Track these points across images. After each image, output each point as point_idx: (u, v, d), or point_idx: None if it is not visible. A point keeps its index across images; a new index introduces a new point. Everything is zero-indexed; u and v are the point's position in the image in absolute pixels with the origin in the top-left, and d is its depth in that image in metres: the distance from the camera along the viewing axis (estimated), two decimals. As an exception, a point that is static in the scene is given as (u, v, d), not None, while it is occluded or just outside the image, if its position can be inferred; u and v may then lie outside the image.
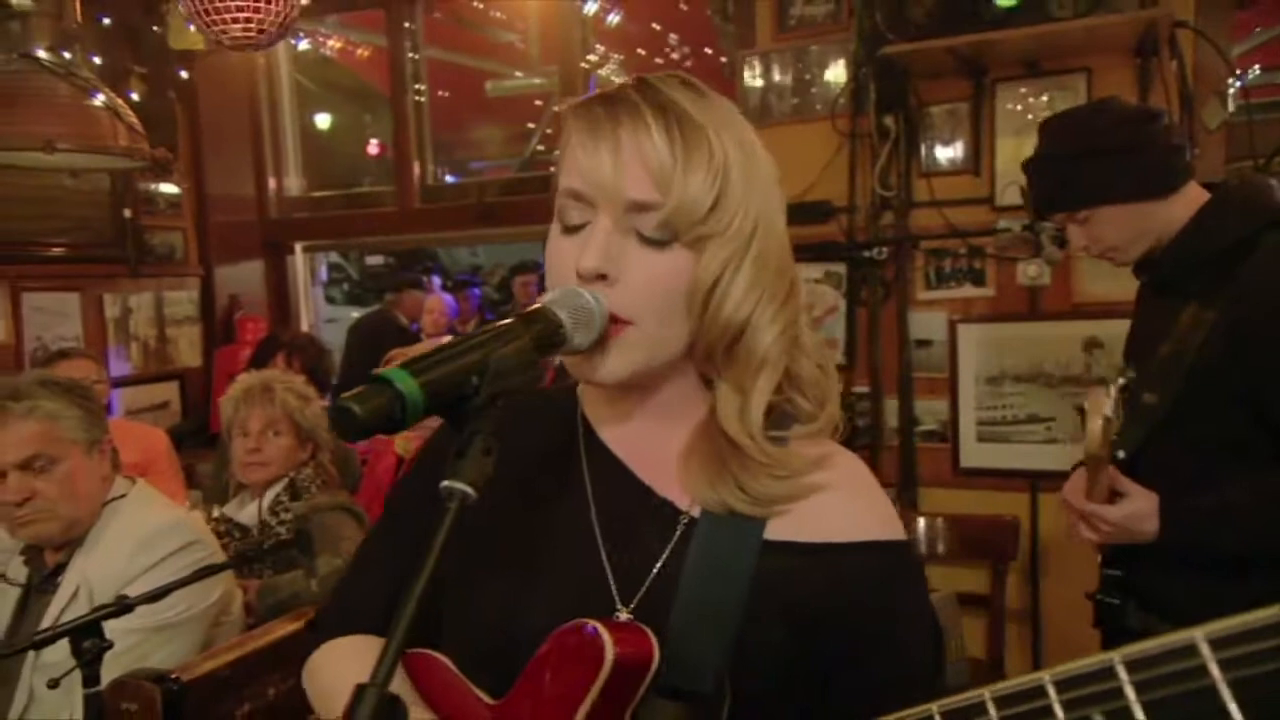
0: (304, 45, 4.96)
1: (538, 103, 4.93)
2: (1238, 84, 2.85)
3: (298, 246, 5.03)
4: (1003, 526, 2.94)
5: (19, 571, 1.99)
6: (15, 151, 2.54)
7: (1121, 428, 1.73)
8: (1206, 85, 2.77)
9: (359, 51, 5.05)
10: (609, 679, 0.79)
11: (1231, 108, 2.83)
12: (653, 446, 0.91)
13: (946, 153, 3.10)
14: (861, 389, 3.23)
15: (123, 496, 2.01)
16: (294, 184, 5.02)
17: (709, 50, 4.14)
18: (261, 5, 2.32)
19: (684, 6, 4.40)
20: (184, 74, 4.14)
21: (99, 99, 2.68)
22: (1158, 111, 1.86)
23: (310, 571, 2.08)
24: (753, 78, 3.32)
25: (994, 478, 3.05)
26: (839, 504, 0.86)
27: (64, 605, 1.87)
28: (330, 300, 7.80)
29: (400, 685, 0.94)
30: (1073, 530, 1.72)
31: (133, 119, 2.77)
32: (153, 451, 3.41)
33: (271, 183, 4.93)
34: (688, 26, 4.36)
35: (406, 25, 4.56)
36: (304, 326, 4.98)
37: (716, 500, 0.84)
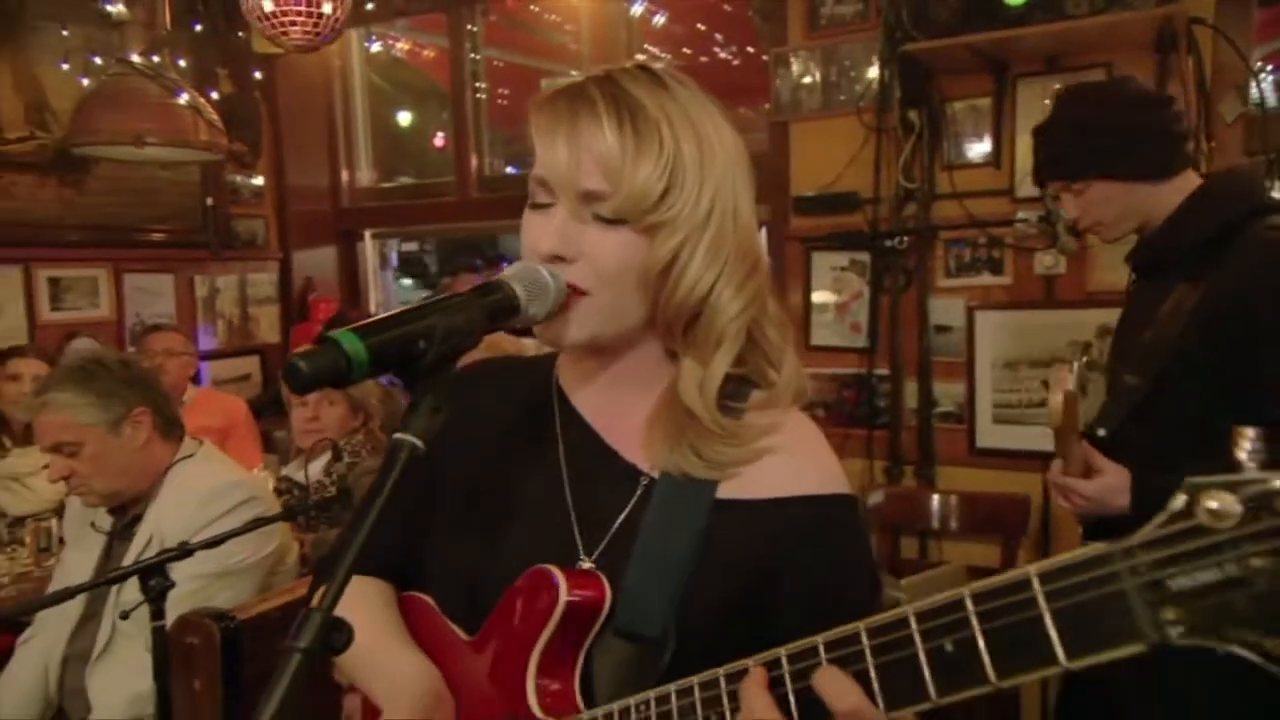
0: (376, 47, 5.06)
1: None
2: (1268, 79, 2.76)
3: (367, 234, 5.14)
4: (1014, 504, 2.91)
5: (104, 521, 2.10)
6: (112, 146, 2.67)
7: (1103, 407, 1.72)
8: (1225, 80, 2.68)
9: (425, 52, 5.13)
10: (563, 618, 0.83)
11: (1259, 100, 2.74)
12: (620, 413, 0.94)
13: (968, 146, 3.06)
14: (882, 372, 3.21)
15: (190, 456, 2.10)
16: (365, 176, 5.12)
17: (751, 49, 4.12)
18: (313, 10, 2.40)
19: (727, 7, 4.38)
20: (258, 75, 4.26)
21: (183, 98, 2.82)
22: (1169, 98, 1.83)
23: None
24: (784, 74, 3.31)
25: (1008, 458, 3.01)
26: (785, 464, 0.87)
27: (140, 550, 1.96)
28: (402, 283, 7.92)
29: (397, 624, 0.99)
30: (1056, 500, 1.72)
31: (213, 116, 2.90)
32: (234, 418, 3.56)
33: (344, 175, 5.04)
34: (730, 25, 4.34)
35: (467, 28, 4.62)
36: (372, 307, 5.09)
37: (674, 464, 0.87)
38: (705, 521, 0.86)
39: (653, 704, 0.74)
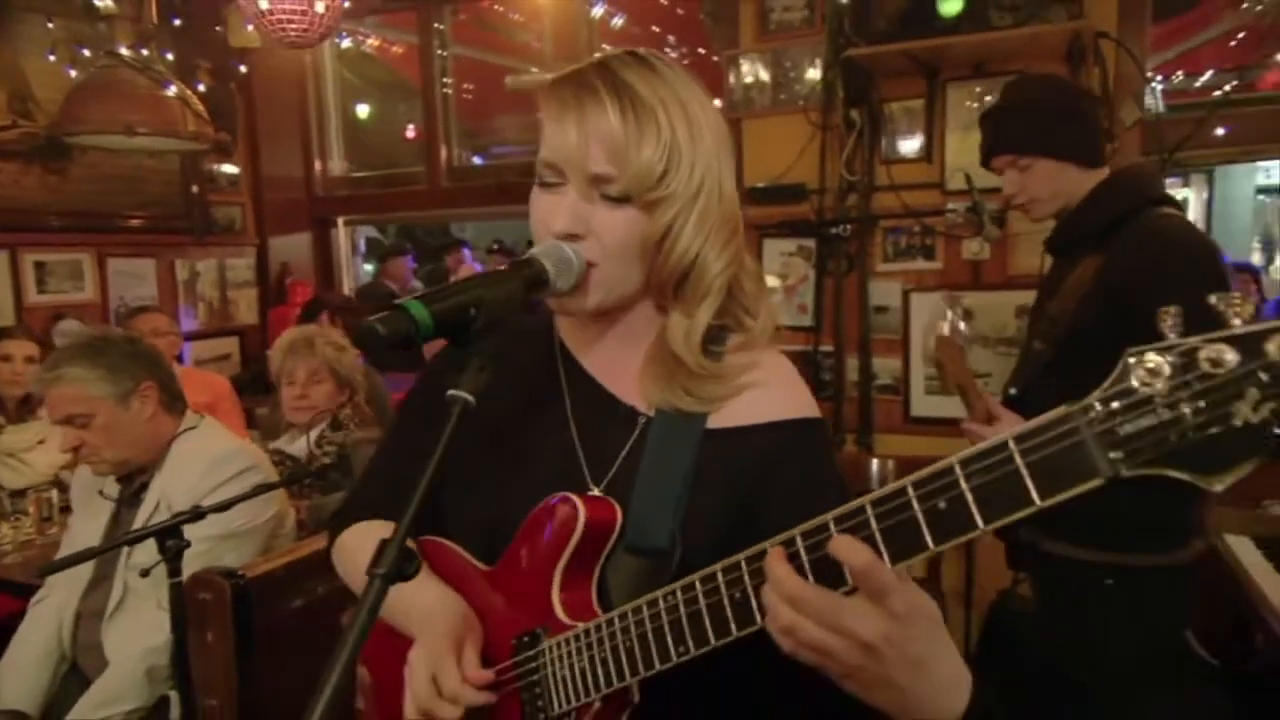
0: (346, 43, 5.01)
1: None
2: (1156, 87, 2.92)
3: (340, 221, 5.11)
4: (944, 467, 3.06)
5: (112, 489, 2.12)
6: (103, 135, 2.65)
7: (1014, 369, 1.85)
8: (1124, 88, 2.83)
9: (394, 48, 5.09)
10: (582, 537, 0.88)
11: (1154, 106, 2.90)
12: (617, 365, 0.99)
13: (904, 143, 3.17)
14: (827, 348, 3.31)
15: (194, 428, 2.13)
16: (337, 166, 5.09)
17: (702, 50, 4.19)
18: (309, 9, 2.41)
19: (680, 11, 4.44)
20: (243, 69, 4.20)
21: (171, 90, 2.80)
22: (1099, 98, 1.94)
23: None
24: (736, 74, 3.39)
25: (939, 425, 3.12)
26: (764, 395, 0.94)
27: (148, 516, 1.99)
28: (365, 268, 7.88)
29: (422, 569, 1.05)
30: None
31: (199, 107, 2.89)
32: (218, 394, 3.55)
33: (317, 164, 5.00)
34: (683, 28, 4.40)
35: (436, 26, 4.61)
36: (345, 290, 5.08)
37: (666, 402, 0.93)
38: (698, 449, 0.92)
39: (679, 593, 0.78)
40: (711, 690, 0.89)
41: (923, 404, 3.21)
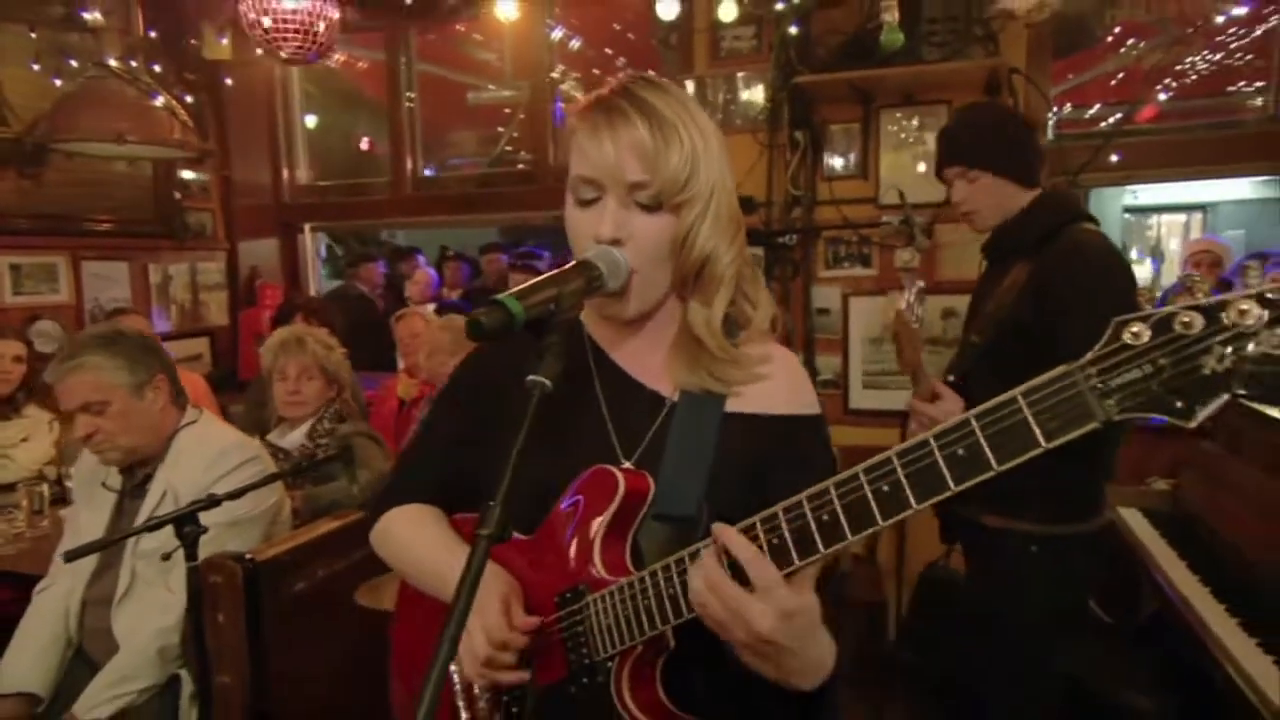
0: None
1: (507, 110, 5.01)
2: (1054, 117, 3.13)
3: (306, 227, 5.04)
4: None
5: (116, 480, 2.09)
6: (93, 143, 2.60)
7: (953, 359, 1.99)
8: (1034, 117, 3.02)
9: (359, 64, 5.06)
10: (620, 504, 0.93)
11: (1050, 135, 3.11)
12: (644, 355, 1.04)
13: (842, 161, 3.30)
14: (774, 347, 3.45)
15: (194, 422, 2.11)
16: (303, 174, 5.02)
17: (652, 72, 4.27)
18: (309, 30, 2.41)
19: (631, 36, 4.53)
20: (228, 81, 4.12)
21: (159, 100, 2.76)
22: (1035, 127, 2.08)
23: (353, 479, 2.22)
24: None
25: (875, 417, 3.27)
26: (777, 387, 1.01)
27: (154, 506, 1.97)
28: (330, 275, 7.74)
29: (455, 536, 1.08)
30: (910, 429, 1.95)
31: (185, 117, 2.85)
32: (196, 393, 3.45)
33: (285, 173, 4.93)
34: (635, 52, 4.49)
35: (402, 44, 4.61)
36: (311, 293, 5.02)
37: (692, 383, 0.99)
38: (718, 429, 0.98)
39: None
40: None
41: (860, 397, 3.36)
